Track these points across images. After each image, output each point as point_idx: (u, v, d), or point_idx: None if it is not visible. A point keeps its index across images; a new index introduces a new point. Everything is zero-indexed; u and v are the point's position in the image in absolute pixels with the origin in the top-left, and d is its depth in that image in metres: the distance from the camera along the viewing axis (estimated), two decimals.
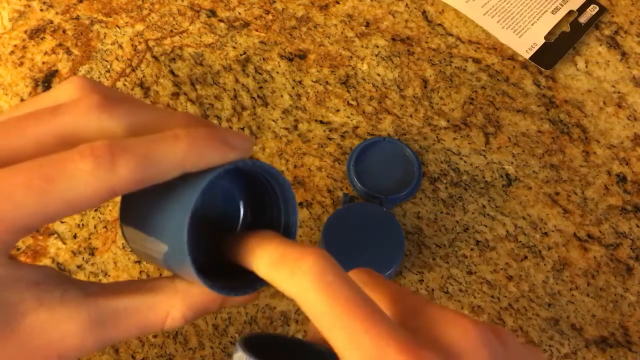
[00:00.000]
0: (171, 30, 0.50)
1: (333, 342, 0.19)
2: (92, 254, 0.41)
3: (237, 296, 0.23)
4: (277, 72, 0.49)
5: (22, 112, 0.22)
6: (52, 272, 0.22)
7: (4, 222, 0.19)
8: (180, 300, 0.23)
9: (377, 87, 0.49)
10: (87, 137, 0.21)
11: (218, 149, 0.21)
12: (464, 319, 0.20)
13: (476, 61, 0.50)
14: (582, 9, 0.53)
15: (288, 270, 0.20)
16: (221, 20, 0.51)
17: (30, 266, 0.21)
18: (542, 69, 0.50)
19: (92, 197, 0.19)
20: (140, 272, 0.40)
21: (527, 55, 0.50)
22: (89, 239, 0.42)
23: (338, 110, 0.47)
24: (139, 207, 0.23)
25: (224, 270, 0.24)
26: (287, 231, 0.25)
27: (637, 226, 0.44)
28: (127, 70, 0.48)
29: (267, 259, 0.21)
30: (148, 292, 0.23)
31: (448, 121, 0.47)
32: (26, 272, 0.21)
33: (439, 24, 0.52)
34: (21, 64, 0.48)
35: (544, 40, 0.51)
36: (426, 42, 0.51)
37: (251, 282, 0.23)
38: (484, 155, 0.46)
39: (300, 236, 0.42)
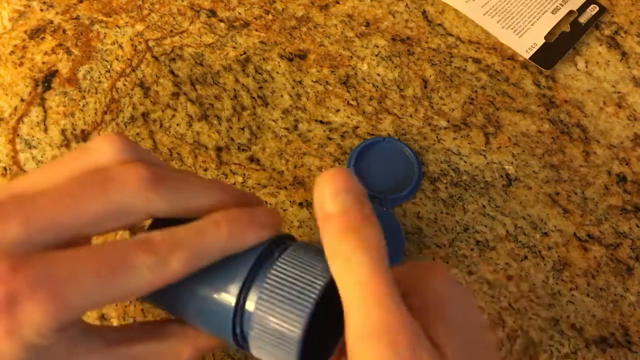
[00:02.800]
0: (171, 30, 0.50)
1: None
2: None
3: None
4: (277, 72, 0.49)
5: (64, 172, 0.23)
6: (78, 322, 0.23)
7: (69, 307, 0.20)
8: (188, 345, 0.25)
9: (377, 87, 0.49)
10: (135, 213, 0.22)
11: (254, 231, 0.23)
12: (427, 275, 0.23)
13: (476, 61, 0.50)
14: (582, 9, 0.53)
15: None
16: (221, 20, 0.51)
17: None
18: (542, 69, 0.50)
19: (147, 288, 0.21)
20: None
21: (527, 55, 0.50)
22: None
23: (338, 110, 0.47)
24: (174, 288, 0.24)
25: None
26: None
27: (637, 226, 0.44)
28: (127, 70, 0.48)
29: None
30: (160, 338, 0.24)
31: (448, 121, 0.47)
32: None
33: (439, 24, 0.52)
34: (21, 64, 0.48)
35: (544, 40, 0.51)
36: (426, 42, 0.51)
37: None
38: (484, 155, 0.46)
39: (300, 236, 0.42)
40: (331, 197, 0.22)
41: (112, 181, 0.22)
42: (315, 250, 0.24)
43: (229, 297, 0.23)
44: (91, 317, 0.39)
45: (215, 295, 0.23)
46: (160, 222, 0.23)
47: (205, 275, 0.23)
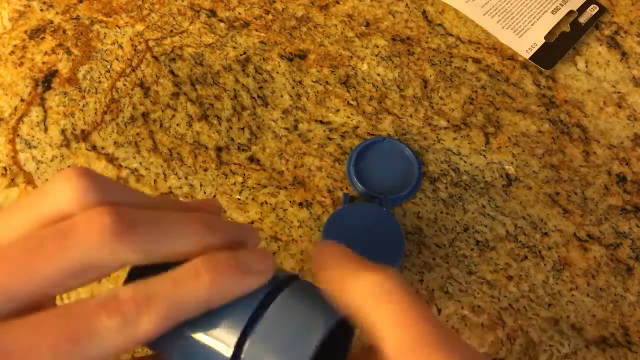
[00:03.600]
0: (171, 30, 0.50)
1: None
2: None
3: None
4: (277, 72, 0.49)
5: (17, 224, 0.20)
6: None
7: None
8: None
9: (377, 87, 0.49)
10: (102, 267, 0.19)
11: (240, 279, 0.21)
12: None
13: (476, 61, 0.50)
14: (582, 9, 0.53)
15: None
16: (221, 20, 0.51)
17: None
18: (542, 69, 0.50)
19: (116, 352, 0.18)
20: None
21: (527, 55, 0.50)
22: None
23: (338, 110, 0.47)
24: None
25: None
26: None
27: (637, 226, 0.44)
28: (127, 70, 0.48)
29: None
30: None
31: (448, 121, 0.47)
32: None
33: (439, 24, 0.52)
34: (21, 64, 0.48)
35: (544, 40, 0.51)
36: (426, 42, 0.51)
37: None
38: (484, 155, 0.46)
39: (300, 236, 0.42)
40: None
41: (70, 235, 0.19)
42: (313, 293, 0.23)
43: (225, 349, 0.21)
44: None
45: (212, 345, 0.21)
46: (141, 269, 0.21)
47: (202, 321, 0.21)
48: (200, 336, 0.21)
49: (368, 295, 0.21)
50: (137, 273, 0.21)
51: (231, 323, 0.21)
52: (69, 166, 0.44)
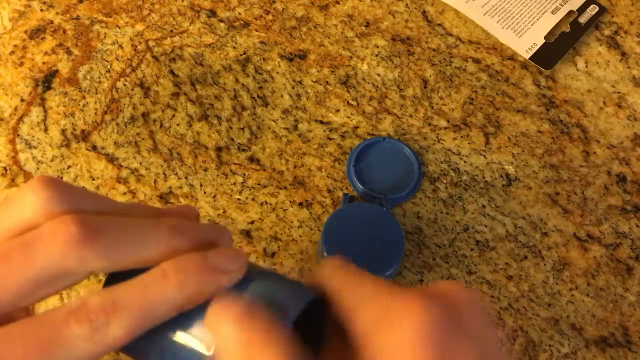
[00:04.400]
0: (171, 31, 0.50)
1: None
2: None
3: None
4: (277, 72, 0.49)
5: None
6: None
7: None
8: None
9: (377, 87, 0.49)
10: (69, 275, 0.19)
11: (210, 279, 0.20)
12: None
13: (476, 61, 0.50)
14: (582, 9, 0.53)
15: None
16: (221, 20, 0.51)
17: None
18: (542, 69, 0.50)
19: (88, 359, 0.19)
20: None
21: (527, 55, 0.50)
22: None
23: (338, 110, 0.47)
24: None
25: None
26: None
27: (637, 226, 0.44)
28: (127, 70, 0.48)
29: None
30: None
31: (448, 121, 0.47)
32: None
33: (439, 24, 0.52)
34: (21, 64, 0.48)
35: (544, 40, 0.51)
36: (426, 42, 0.51)
37: None
38: (484, 155, 0.46)
39: (300, 236, 0.42)
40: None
41: (35, 245, 0.19)
42: (285, 280, 0.23)
43: (204, 348, 0.21)
44: None
45: (191, 345, 0.21)
46: (118, 274, 0.21)
47: (178, 322, 0.21)
48: (177, 337, 0.21)
49: (334, 281, 0.22)
50: (114, 279, 0.22)
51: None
52: (69, 166, 0.44)
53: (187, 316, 0.21)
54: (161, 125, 0.46)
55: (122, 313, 0.19)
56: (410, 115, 0.47)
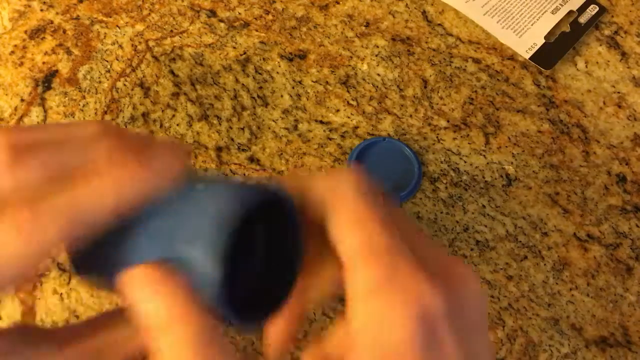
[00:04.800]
0: (171, 31, 0.50)
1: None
2: None
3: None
4: (277, 72, 0.49)
5: None
6: (16, 333, 0.21)
7: None
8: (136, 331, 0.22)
9: (377, 87, 0.49)
10: (8, 197, 0.19)
11: (145, 172, 0.20)
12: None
13: (476, 61, 0.50)
14: (582, 9, 0.53)
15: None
16: (221, 20, 0.51)
17: None
18: (542, 69, 0.50)
19: (25, 260, 0.18)
20: None
21: (527, 55, 0.50)
22: None
23: (338, 110, 0.47)
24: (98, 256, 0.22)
25: None
26: None
27: (637, 226, 0.44)
28: (127, 70, 0.48)
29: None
30: (109, 328, 0.22)
31: (448, 121, 0.47)
32: None
33: (439, 24, 0.52)
34: (21, 64, 0.48)
35: (544, 40, 0.51)
36: (426, 42, 0.51)
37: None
38: (484, 155, 0.46)
39: None
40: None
41: None
42: (232, 182, 0.22)
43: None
44: None
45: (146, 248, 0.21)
46: (82, 257, 0.21)
47: (126, 236, 0.21)
48: (128, 252, 0.21)
49: (327, 198, 0.21)
50: (80, 262, 0.22)
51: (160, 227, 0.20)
52: None
53: (130, 231, 0.20)
54: (161, 125, 0.46)
55: (54, 212, 0.18)
56: (410, 115, 0.47)
